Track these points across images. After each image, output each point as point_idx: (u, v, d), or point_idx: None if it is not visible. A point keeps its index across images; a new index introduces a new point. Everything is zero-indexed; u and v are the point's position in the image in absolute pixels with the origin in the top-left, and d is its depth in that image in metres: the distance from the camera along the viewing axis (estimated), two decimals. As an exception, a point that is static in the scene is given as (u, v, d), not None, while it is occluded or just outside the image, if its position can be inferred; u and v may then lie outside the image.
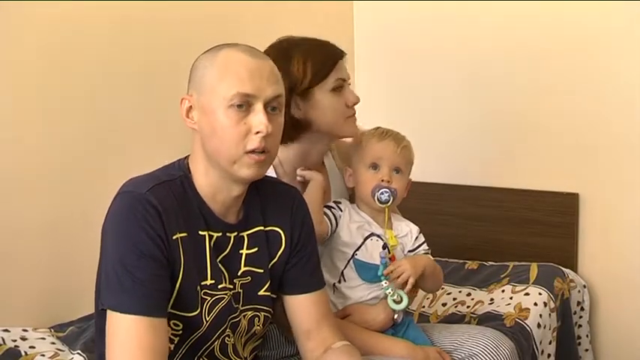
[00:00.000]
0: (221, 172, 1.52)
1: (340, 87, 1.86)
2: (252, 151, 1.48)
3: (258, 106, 1.48)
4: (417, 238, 1.95)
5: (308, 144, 1.91)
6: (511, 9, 2.85)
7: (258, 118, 1.47)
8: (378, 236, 1.89)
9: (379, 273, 1.85)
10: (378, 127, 1.95)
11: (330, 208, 1.91)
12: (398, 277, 1.83)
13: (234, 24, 2.71)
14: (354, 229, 1.89)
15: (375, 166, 1.89)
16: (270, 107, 1.50)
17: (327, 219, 1.88)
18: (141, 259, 1.42)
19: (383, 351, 1.81)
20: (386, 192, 1.86)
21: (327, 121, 1.87)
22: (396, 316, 1.89)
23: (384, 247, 1.88)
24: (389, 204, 1.87)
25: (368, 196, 1.88)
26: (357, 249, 1.88)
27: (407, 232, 1.94)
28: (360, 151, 1.92)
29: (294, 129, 1.84)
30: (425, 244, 1.95)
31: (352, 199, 2.03)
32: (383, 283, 1.85)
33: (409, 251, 1.93)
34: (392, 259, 1.89)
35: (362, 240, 1.89)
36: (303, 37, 1.91)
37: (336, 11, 3.15)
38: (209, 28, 2.60)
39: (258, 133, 1.47)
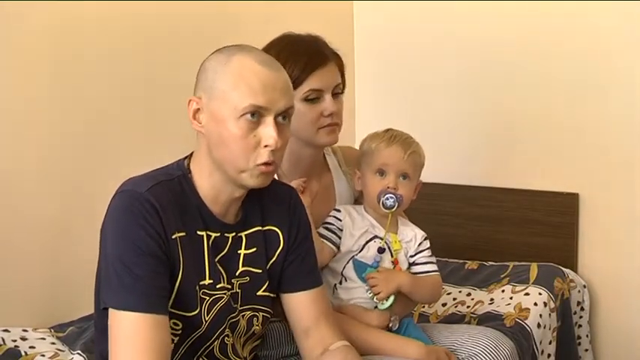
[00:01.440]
0: (225, 177, 1.53)
1: (315, 97, 1.85)
2: (261, 164, 1.48)
3: (269, 119, 1.48)
4: (420, 244, 1.94)
5: (297, 146, 1.90)
6: (511, 9, 2.84)
7: (269, 132, 1.48)
8: (381, 239, 1.89)
9: (363, 275, 1.85)
10: (388, 130, 1.93)
11: (328, 225, 1.90)
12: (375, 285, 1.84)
13: (234, 23, 2.71)
14: (358, 235, 1.89)
15: (381, 172, 1.88)
16: (280, 117, 1.51)
17: (328, 243, 1.87)
18: (140, 256, 1.43)
19: (393, 351, 1.80)
20: (391, 197, 1.85)
21: (300, 129, 1.85)
22: (390, 324, 1.89)
23: (380, 250, 1.88)
24: (394, 209, 1.86)
25: (374, 201, 1.88)
26: (359, 251, 1.88)
27: (411, 238, 1.94)
28: (368, 155, 1.91)
29: None
30: (427, 250, 1.94)
31: (358, 201, 2.03)
32: (365, 285, 1.86)
33: (410, 256, 1.93)
34: (395, 262, 1.89)
35: (364, 242, 1.89)
36: (294, 37, 1.90)
37: (336, 11, 3.15)
38: (209, 28, 2.60)
39: (266, 146, 1.48)
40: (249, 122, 1.47)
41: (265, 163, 1.48)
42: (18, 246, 2.17)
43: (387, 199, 1.85)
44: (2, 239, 2.13)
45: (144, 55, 2.45)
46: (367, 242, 1.89)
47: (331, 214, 1.93)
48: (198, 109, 1.52)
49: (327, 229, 1.89)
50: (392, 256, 1.89)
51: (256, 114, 1.47)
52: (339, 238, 1.89)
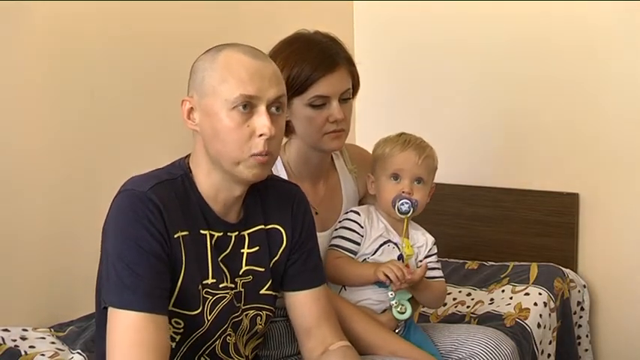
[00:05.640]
0: (223, 173, 1.52)
1: (321, 103, 1.83)
2: (256, 154, 1.48)
3: (261, 108, 1.48)
4: (430, 249, 1.94)
5: (304, 149, 1.91)
6: (512, 9, 2.84)
7: (262, 121, 1.47)
8: (395, 244, 1.89)
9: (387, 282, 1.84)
10: (401, 134, 1.93)
11: (350, 235, 1.88)
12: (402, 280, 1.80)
13: (234, 24, 2.71)
14: (374, 238, 1.89)
15: (396, 177, 1.88)
16: (273, 107, 1.50)
17: (347, 253, 1.87)
18: (142, 255, 1.43)
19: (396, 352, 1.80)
20: (406, 203, 1.85)
21: (305, 133, 1.86)
22: (398, 330, 1.90)
23: (399, 257, 1.87)
24: (409, 215, 1.86)
25: (388, 206, 1.88)
26: (372, 254, 1.88)
27: (423, 243, 1.94)
28: (382, 160, 1.90)
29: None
30: (435, 255, 1.94)
31: (363, 202, 2.03)
32: (389, 293, 1.85)
33: (419, 261, 1.93)
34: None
35: (378, 246, 1.89)
36: (307, 39, 1.89)
37: (336, 11, 3.15)
38: (209, 28, 2.59)
39: (261, 135, 1.47)
40: (241, 114, 1.47)
41: (260, 154, 1.48)
42: (18, 246, 2.16)
43: (403, 204, 1.85)
44: (2, 239, 2.12)
45: (143, 56, 2.45)
46: (381, 246, 1.89)
47: (352, 217, 1.91)
48: (192, 108, 1.52)
49: (348, 239, 1.89)
50: (403, 261, 1.87)
51: (248, 105, 1.47)
52: (359, 245, 1.89)
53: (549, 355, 2.45)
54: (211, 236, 1.55)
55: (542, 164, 2.87)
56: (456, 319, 2.40)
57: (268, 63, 1.53)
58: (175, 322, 1.51)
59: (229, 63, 1.48)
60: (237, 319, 1.59)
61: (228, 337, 1.58)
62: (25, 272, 2.18)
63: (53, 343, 2.07)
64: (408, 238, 1.90)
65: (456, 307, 2.50)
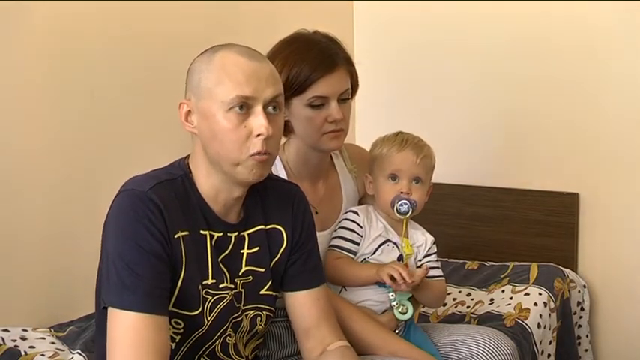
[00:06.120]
0: (223, 175, 1.53)
1: (320, 104, 1.83)
2: (254, 154, 1.48)
3: (258, 109, 1.48)
4: (429, 248, 1.94)
5: (304, 149, 1.91)
6: (512, 9, 2.84)
7: (259, 121, 1.47)
8: (395, 243, 1.89)
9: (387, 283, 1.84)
10: (399, 133, 1.92)
11: (349, 235, 1.88)
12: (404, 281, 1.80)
13: (234, 23, 2.71)
14: (373, 238, 1.89)
15: (394, 177, 1.88)
16: (270, 107, 1.50)
17: (347, 254, 1.87)
18: (142, 255, 1.43)
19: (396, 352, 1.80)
20: (405, 204, 1.85)
21: (304, 133, 1.86)
22: (398, 330, 1.90)
23: (400, 258, 1.87)
24: (408, 215, 1.86)
25: (387, 206, 1.87)
26: (372, 254, 1.88)
27: (422, 242, 1.93)
28: (380, 160, 1.90)
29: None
30: (434, 255, 1.94)
31: (363, 201, 2.03)
32: (390, 294, 1.85)
33: (418, 260, 1.93)
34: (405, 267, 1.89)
35: (377, 245, 1.89)
36: (306, 39, 1.89)
37: (336, 11, 3.15)
38: (208, 28, 2.60)
39: (258, 136, 1.47)
40: (237, 115, 1.47)
41: (258, 153, 1.48)
42: (18, 246, 2.16)
43: (402, 205, 1.85)
44: (2, 239, 2.12)
45: (145, 54, 2.45)
46: (380, 245, 1.89)
47: (351, 217, 1.91)
48: (189, 110, 1.53)
49: (347, 239, 1.89)
50: (402, 260, 1.87)
51: (244, 106, 1.47)
52: (359, 245, 1.89)
53: (549, 355, 2.45)
54: (211, 236, 1.55)
55: (542, 164, 2.87)
56: (456, 319, 2.40)
57: (265, 63, 1.53)
58: (175, 322, 1.51)
59: (225, 64, 1.48)
60: (237, 320, 1.59)
61: (228, 337, 1.58)
62: (25, 272, 2.18)
63: (53, 343, 2.07)
64: (407, 237, 1.90)
65: (456, 307, 2.50)
